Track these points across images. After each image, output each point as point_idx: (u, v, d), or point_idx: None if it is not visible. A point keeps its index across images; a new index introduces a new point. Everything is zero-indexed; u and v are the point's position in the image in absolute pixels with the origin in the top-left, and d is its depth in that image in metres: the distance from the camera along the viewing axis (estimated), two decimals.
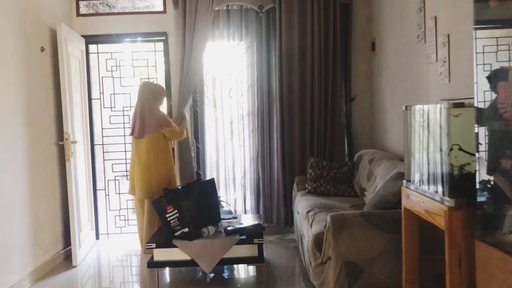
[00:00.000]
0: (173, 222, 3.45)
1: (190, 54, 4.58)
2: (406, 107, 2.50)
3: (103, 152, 5.09)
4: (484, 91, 1.76)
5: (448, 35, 2.92)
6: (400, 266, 2.59)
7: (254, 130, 4.87)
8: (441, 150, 2.05)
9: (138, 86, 4.41)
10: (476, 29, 1.81)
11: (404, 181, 2.50)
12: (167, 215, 3.45)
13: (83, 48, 4.70)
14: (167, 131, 4.24)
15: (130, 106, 5.77)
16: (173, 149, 4.53)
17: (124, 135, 5.27)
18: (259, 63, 4.80)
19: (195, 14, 4.55)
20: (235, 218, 3.94)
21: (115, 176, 5.17)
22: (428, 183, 2.22)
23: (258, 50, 4.79)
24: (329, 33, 4.62)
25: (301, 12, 4.62)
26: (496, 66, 1.71)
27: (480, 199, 1.81)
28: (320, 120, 4.68)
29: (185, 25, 4.59)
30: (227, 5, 4.73)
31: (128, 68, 5.83)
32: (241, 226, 3.51)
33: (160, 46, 4.93)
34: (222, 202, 4.61)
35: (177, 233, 3.38)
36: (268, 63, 4.80)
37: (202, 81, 4.75)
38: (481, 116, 1.78)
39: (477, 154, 1.83)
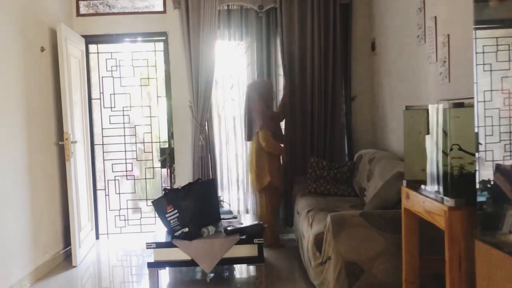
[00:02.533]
0: (173, 222, 3.44)
1: (198, 55, 4.58)
2: (406, 107, 2.50)
3: (103, 152, 5.09)
4: (484, 91, 1.76)
5: (448, 35, 2.92)
6: (400, 266, 2.59)
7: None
8: (441, 150, 2.05)
9: (246, 87, 4.45)
10: (476, 29, 1.81)
11: (404, 181, 2.50)
12: (167, 215, 3.45)
13: (83, 48, 4.70)
14: (260, 133, 4.22)
15: (130, 106, 5.78)
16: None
17: (124, 135, 5.26)
18: (259, 63, 4.80)
19: (198, 13, 4.55)
20: (235, 218, 3.94)
21: (115, 176, 5.17)
22: (429, 183, 2.22)
23: (258, 50, 4.79)
24: (329, 33, 4.63)
25: (301, 12, 4.61)
26: (496, 66, 1.71)
27: (480, 199, 1.81)
28: (320, 120, 4.67)
29: (189, 25, 4.58)
30: (228, 5, 4.73)
31: (128, 68, 5.82)
32: (241, 226, 3.51)
33: (160, 46, 4.93)
34: (222, 202, 4.61)
35: (177, 233, 3.38)
36: (268, 63, 4.80)
37: (212, 81, 4.68)
38: None
39: (477, 154, 1.83)
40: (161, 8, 4.83)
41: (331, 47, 4.63)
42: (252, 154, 4.36)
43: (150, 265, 3.38)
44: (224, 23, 4.74)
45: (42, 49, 4.06)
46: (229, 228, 3.44)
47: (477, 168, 1.83)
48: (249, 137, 4.39)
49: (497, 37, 1.73)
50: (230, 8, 4.75)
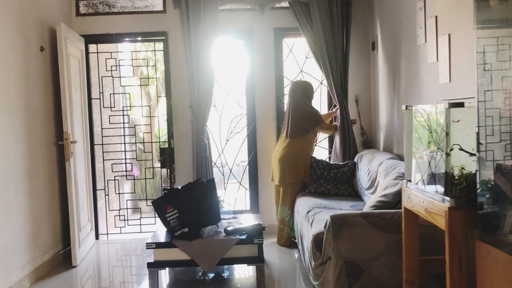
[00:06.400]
0: (173, 222, 3.44)
1: (198, 54, 4.58)
2: (406, 107, 2.50)
3: (103, 152, 5.08)
4: (485, 90, 1.76)
5: (449, 35, 2.92)
6: (400, 266, 2.59)
7: (254, 129, 4.87)
8: (441, 150, 2.05)
9: (289, 86, 4.52)
10: (477, 28, 1.81)
11: (405, 181, 2.50)
12: (167, 215, 3.45)
13: (83, 47, 4.69)
14: (320, 128, 4.48)
15: (130, 106, 5.77)
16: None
17: (124, 135, 5.26)
18: (259, 62, 4.80)
19: (198, 13, 4.54)
20: (235, 218, 3.93)
21: (114, 176, 5.16)
22: (429, 183, 2.21)
23: (258, 49, 4.79)
24: (333, 32, 4.61)
25: (308, 11, 4.62)
26: (496, 65, 1.71)
27: (480, 199, 1.81)
28: None
29: (189, 24, 4.58)
30: (228, 5, 4.73)
31: (128, 68, 5.81)
32: (241, 226, 3.51)
33: (160, 45, 4.92)
34: (222, 202, 4.62)
35: (177, 233, 3.38)
36: (268, 62, 4.80)
37: (213, 80, 4.67)
38: None
39: (477, 154, 1.82)
40: (161, 8, 4.82)
41: (333, 47, 4.62)
42: (291, 149, 4.35)
43: (150, 265, 3.38)
44: (224, 23, 4.73)
45: (42, 49, 4.05)
46: (229, 228, 3.44)
47: (477, 168, 1.82)
48: (295, 134, 4.37)
49: (497, 37, 1.72)
50: (230, 7, 4.75)
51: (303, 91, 4.42)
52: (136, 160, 6.04)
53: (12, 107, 3.55)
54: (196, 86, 4.62)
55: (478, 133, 1.80)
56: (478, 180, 1.82)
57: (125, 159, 5.47)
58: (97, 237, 4.91)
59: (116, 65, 4.98)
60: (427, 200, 2.16)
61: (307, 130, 4.39)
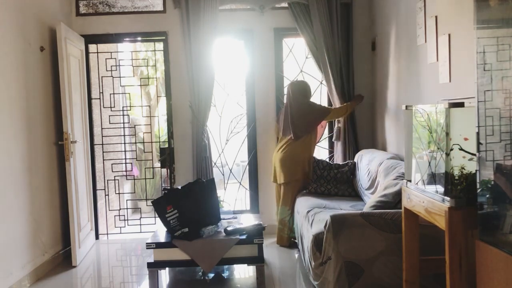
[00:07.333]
0: (173, 222, 3.44)
1: (198, 54, 4.57)
2: (406, 107, 2.50)
3: (103, 152, 5.08)
4: (485, 90, 1.76)
5: (449, 35, 2.92)
6: (400, 266, 2.59)
7: (254, 129, 4.87)
8: (441, 150, 2.05)
9: (287, 88, 4.52)
10: (477, 28, 1.81)
11: (405, 181, 2.50)
12: (167, 215, 3.44)
13: (83, 47, 4.69)
14: (331, 116, 4.50)
15: (130, 106, 5.77)
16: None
17: (124, 135, 5.26)
18: (259, 62, 4.80)
19: (198, 13, 4.54)
20: (235, 218, 3.93)
21: (114, 176, 5.16)
22: (429, 183, 2.21)
23: (258, 49, 4.79)
24: (334, 32, 4.61)
25: (307, 12, 4.62)
26: (496, 65, 1.71)
27: (480, 199, 1.81)
28: None
29: (189, 24, 4.58)
30: (228, 5, 4.73)
31: (128, 68, 5.81)
32: (241, 226, 3.50)
33: (160, 45, 4.92)
34: (222, 202, 4.62)
35: (177, 233, 3.38)
36: (268, 62, 4.80)
37: (213, 80, 4.67)
38: None
39: (477, 154, 1.82)
40: (161, 8, 4.82)
41: (333, 48, 4.62)
42: (292, 149, 4.34)
43: (150, 265, 3.38)
44: (224, 23, 4.73)
45: (42, 49, 4.05)
46: (229, 228, 3.44)
47: (477, 168, 1.82)
48: (299, 136, 4.33)
49: (497, 37, 1.72)
50: (230, 8, 4.75)
51: (299, 91, 4.38)
52: (136, 160, 6.04)
53: (12, 107, 3.55)
54: (196, 86, 4.62)
55: (478, 133, 1.80)
56: (478, 180, 1.82)
57: (125, 159, 5.47)
58: (97, 237, 4.91)
59: (116, 65, 4.98)
60: (427, 200, 2.16)
61: (312, 128, 4.38)
